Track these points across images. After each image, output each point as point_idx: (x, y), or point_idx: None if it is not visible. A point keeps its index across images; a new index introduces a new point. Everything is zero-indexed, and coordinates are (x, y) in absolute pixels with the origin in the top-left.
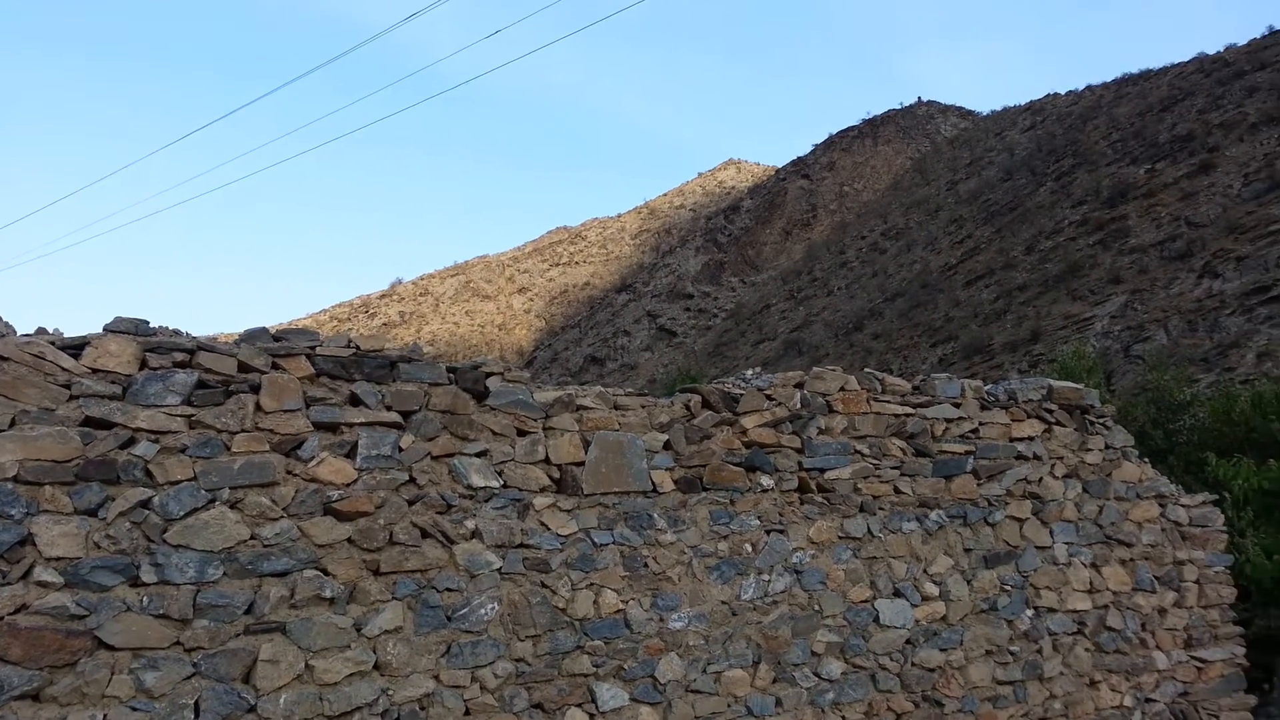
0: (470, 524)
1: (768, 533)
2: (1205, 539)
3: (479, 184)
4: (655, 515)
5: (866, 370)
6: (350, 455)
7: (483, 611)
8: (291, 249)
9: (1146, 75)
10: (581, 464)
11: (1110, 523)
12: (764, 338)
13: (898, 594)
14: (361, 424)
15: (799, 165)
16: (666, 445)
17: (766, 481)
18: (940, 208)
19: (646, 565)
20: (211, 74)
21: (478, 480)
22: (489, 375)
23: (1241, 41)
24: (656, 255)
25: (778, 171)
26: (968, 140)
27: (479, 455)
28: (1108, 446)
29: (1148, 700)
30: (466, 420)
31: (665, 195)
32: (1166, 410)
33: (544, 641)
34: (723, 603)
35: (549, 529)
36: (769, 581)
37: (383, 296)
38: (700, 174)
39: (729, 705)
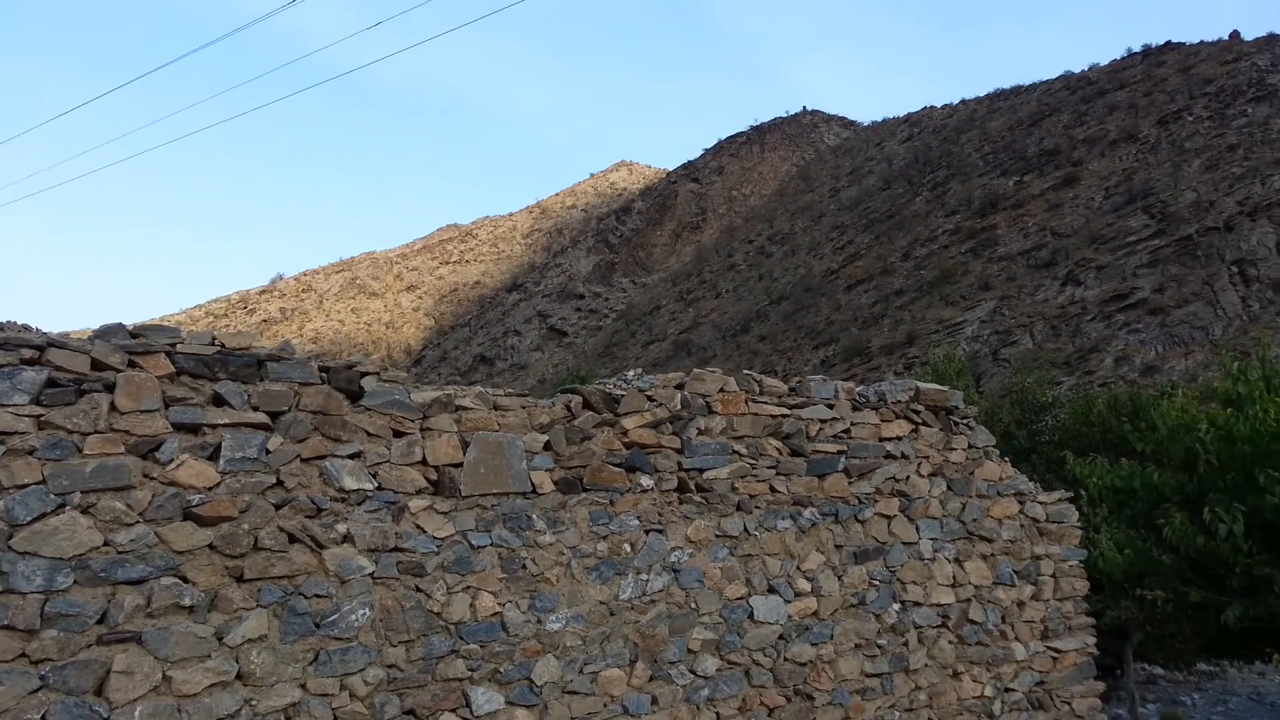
0: (342, 528)
1: (647, 533)
2: (1061, 534)
3: (366, 179)
4: (534, 516)
5: (745, 372)
6: (213, 458)
7: (353, 618)
8: (163, 243)
9: (1017, 91)
10: (460, 465)
11: (973, 519)
12: (654, 338)
13: (772, 591)
14: (225, 425)
15: (689, 169)
16: (547, 446)
17: (646, 482)
18: (823, 214)
19: (525, 567)
20: (66, 63)
21: (350, 483)
22: (364, 375)
23: (1104, 62)
24: (548, 255)
25: (669, 174)
26: (849, 149)
27: (352, 457)
28: (970, 446)
29: (1007, 690)
30: (339, 421)
31: (557, 195)
32: (1030, 411)
33: (418, 646)
34: (601, 603)
35: (425, 532)
36: (647, 581)
37: (263, 292)
38: (592, 174)
39: (605, 705)
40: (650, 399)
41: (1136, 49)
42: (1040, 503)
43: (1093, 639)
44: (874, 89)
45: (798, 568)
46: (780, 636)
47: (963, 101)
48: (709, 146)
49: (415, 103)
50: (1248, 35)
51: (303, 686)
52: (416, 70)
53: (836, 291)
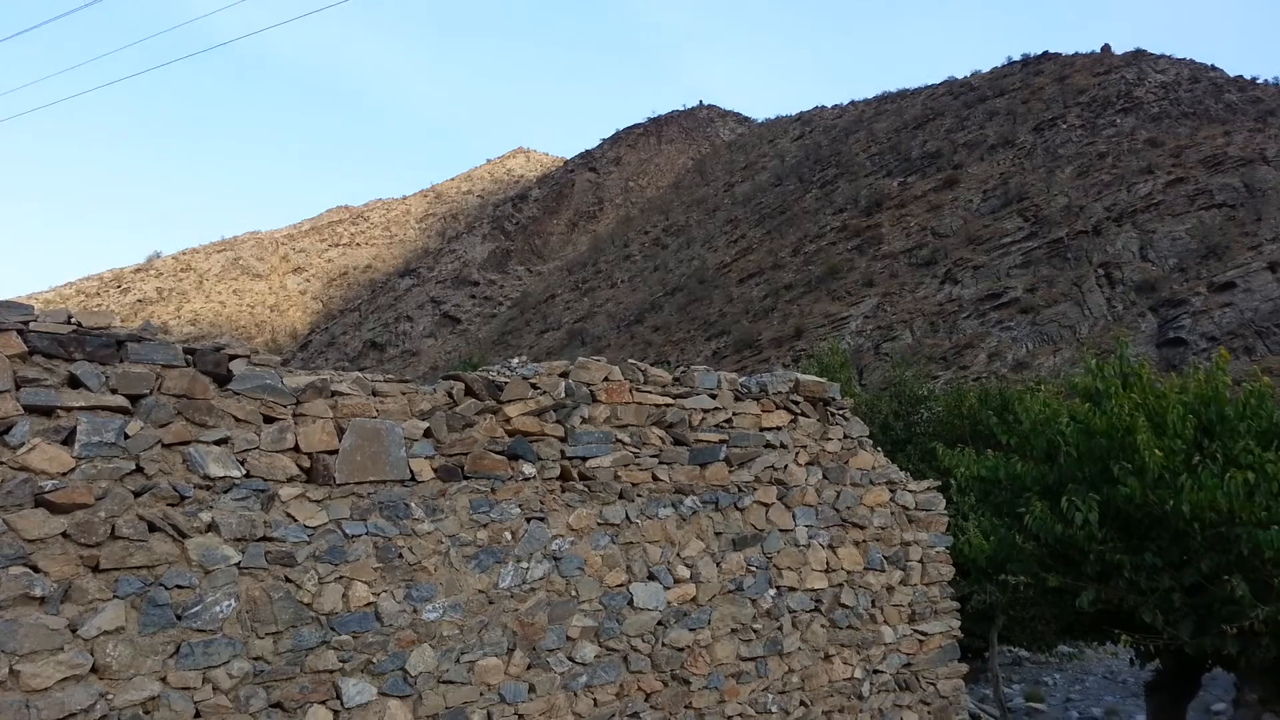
0: (206, 516)
1: (528, 520)
2: (929, 522)
3: (252, 156)
4: (413, 505)
5: (630, 361)
6: (68, 442)
7: (217, 609)
8: (32, 218)
9: (903, 94)
10: (335, 452)
11: (846, 507)
12: (549, 327)
13: (652, 578)
14: (81, 408)
15: (587, 158)
16: (427, 433)
17: (529, 470)
18: (718, 208)
19: (401, 556)
20: None
21: (216, 470)
22: (233, 358)
23: (985, 69)
24: (442, 240)
25: (566, 163)
26: (744, 145)
27: (219, 443)
28: (846, 436)
29: (875, 671)
30: (205, 406)
31: (453, 180)
32: (907, 404)
33: (286, 638)
34: (480, 591)
35: (296, 520)
36: (527, 569)
37: (138, 271)
38: (489, 160)
39: (481, 694)
40: (534, 386)
41: (1016, 57)
42: (910, 491)
43: (957, 622)
44: (768, 87)
45: (678, 555)
46: (659, 623)
47: (852, 103)
48: (607, 137)
49: (306, 79)
50: (1118, 49)
51: (163, 680)
52: (308, 45)
53: (729, 284)
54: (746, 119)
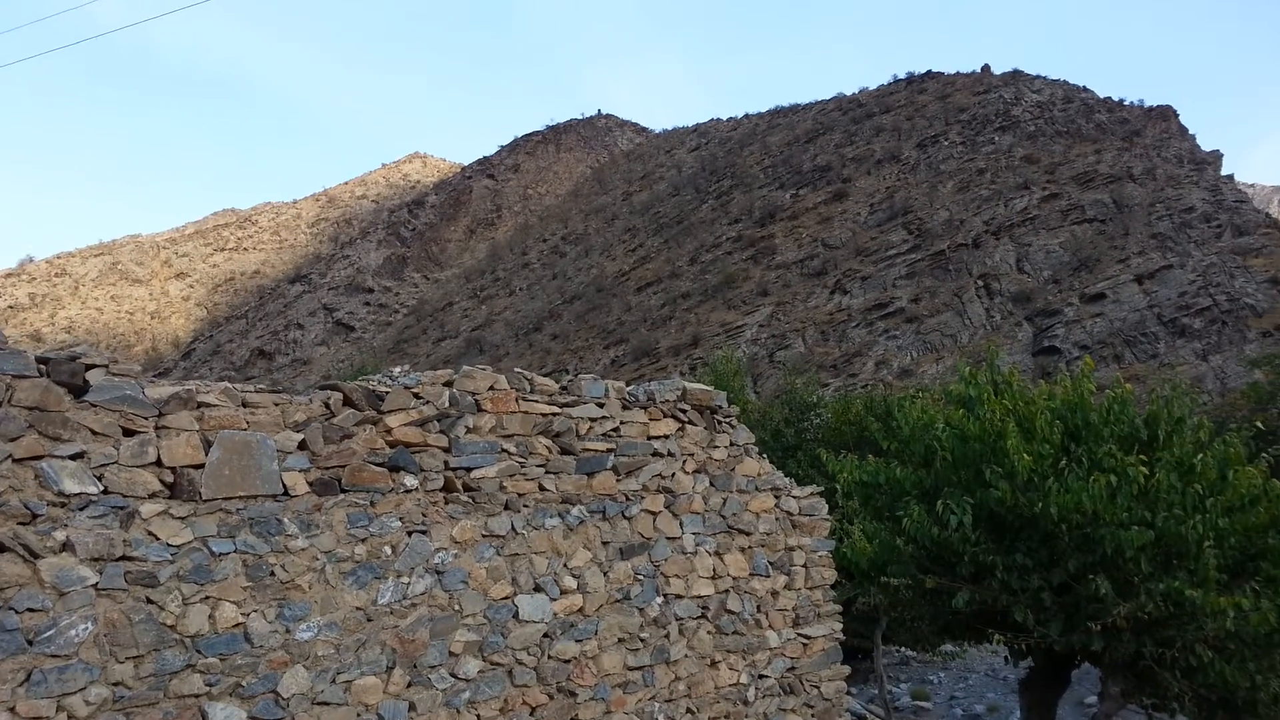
0: (61, 535)
1: (409, 534)
2: (813, 526)
3: (133, 156)
4: (286, 520)
5: (516, 370)
6: None
7: (73, 633)
8: None
9: (795, 109)
10: (201, 467)
11: (732, 514)
12: (446, 335)
13: (538, 589)
14: None
15: (485, 165)
16: (302, 445)
17: (410, 481)
18: (616, 216)
19: (273, 574)
20: None
21: (71, 486)
22: (90, 367)
23: (873, 86)
24: (335, 246)
25: (464, 169)
26: (641, 155)
27: (74, 458)
28: (733, 444)
29: (761, 676)
30: (60, 418)
31: (346, 184)
32: (798, 411)
33: (148, 662)
34: (357, 608)
35: (158, 539)
36: (408, 584)
37: (9, 275)
38: (384, 165)
39: (359, 715)
40: (417, 396)
41: (902, 76)
42: (795, 497)
43: (840, 625)
44: (666, 98)
45: (565, 565)
46: (545, 635)
47: (746, 116)
48: (505, 144)
49: (191, 75)
50: (997, 69)
51: (11, 710)
52: (192, 40)
53: (627, 293)
54: (645, 129)
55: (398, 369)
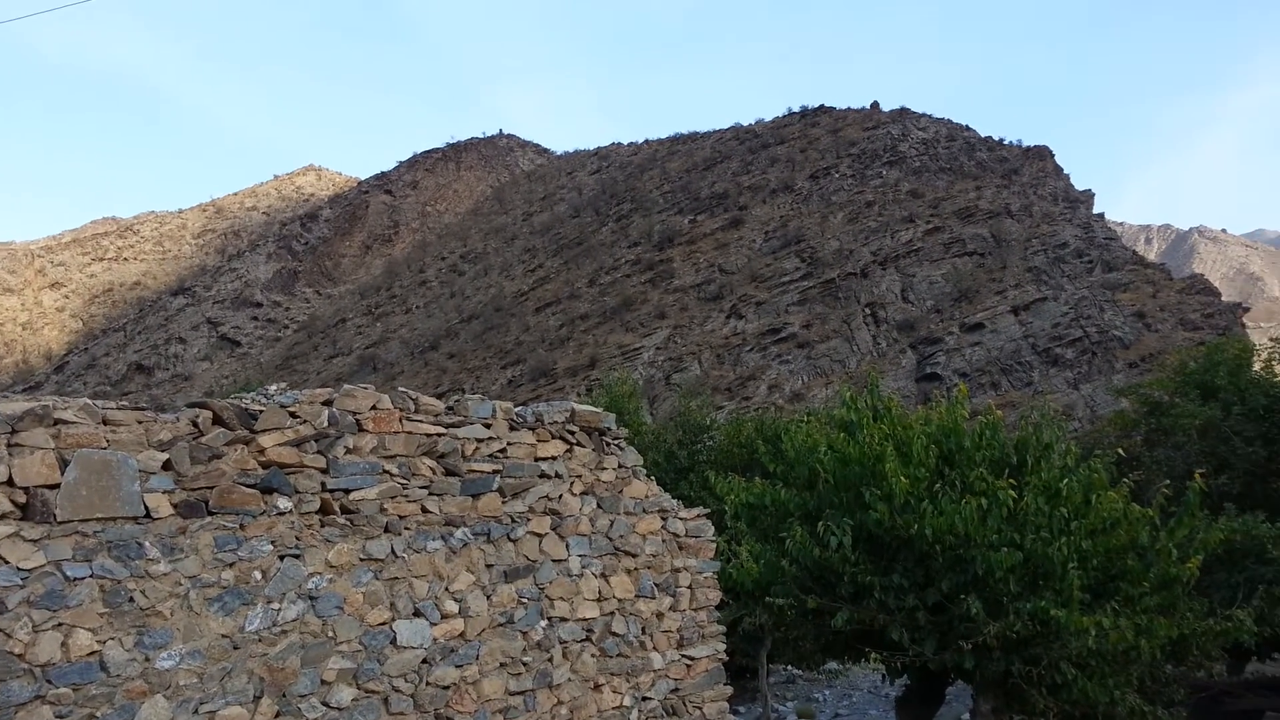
0: None
1: (281, 558)
2: (698, 548)
3: (5, 159)
4: (147, 544)
5: (400, 389)
6: None
7: None
8: None
9: (694, 136)
10: (57, 486)
11: (619, 535)
12: (338, 352)
13: (418, 614)
14: None
15: (383, 180)
16: (167, 465)
17: (284, 504)
18: (516, 236)
19: (133, 600)
20: None
21: None
22: None
23: (768, 117)
24: (222, 258)
25: (360, 183)
26: (542, 176)
27: None
28: (621, 466)
29: (644, 698)
30: None
31: (236, 195)
32: (691, 433)
33: None
34: (223, 636)
35: (7, 563)
36: (279, 610)
37: None
38: (277, 176)
39: None
40: (294, 415)
41: (796, 108)
42: (682, 519)
43: (723, 646)
44: (567, 120)
45: (446, 589)
46: (424, 660)
47: (646, 141)
48: (404, 159)
49: (71, 77)
50: (885, 106)
51: None
52: (74, 40)
53: (526, 313)
54: (546, 150)
55: (273, 387)
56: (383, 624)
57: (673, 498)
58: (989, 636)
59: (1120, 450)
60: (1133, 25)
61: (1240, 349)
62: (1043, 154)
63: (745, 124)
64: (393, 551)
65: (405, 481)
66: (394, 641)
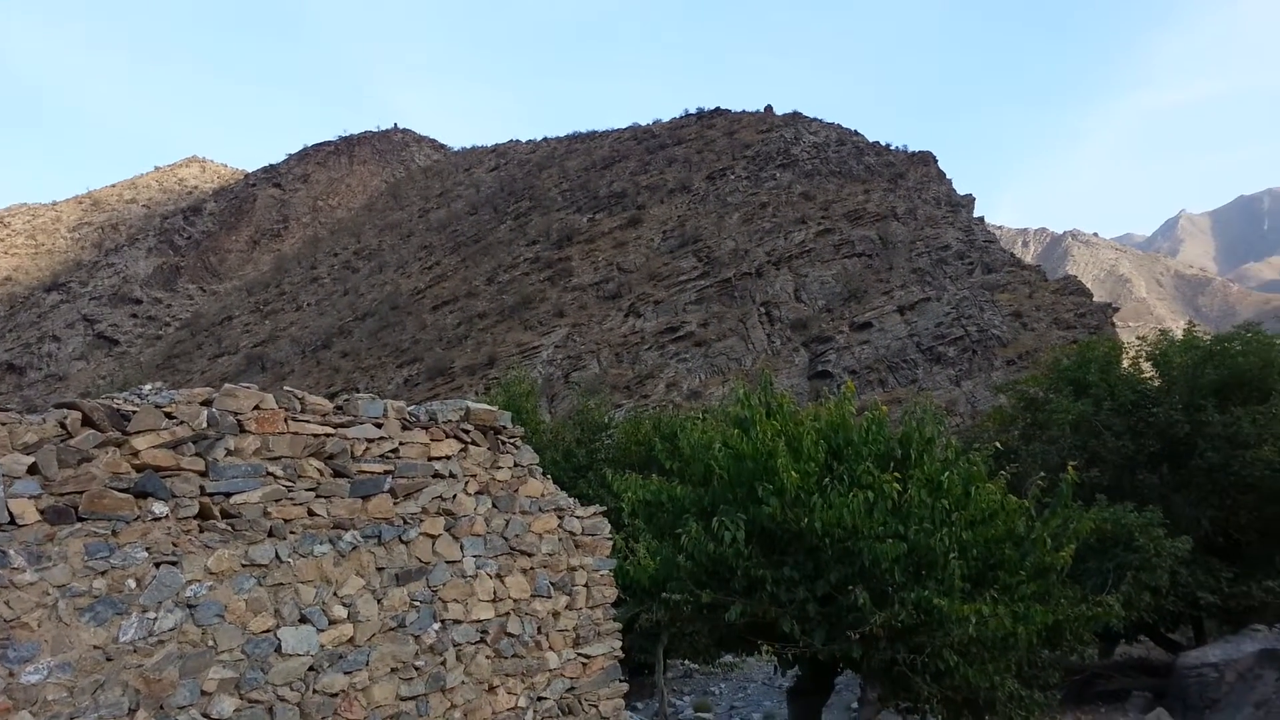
0: None
1: (158, 565)
2: (595, 546)
3: None
4: (12, 552)
5: (286, 389)
6: None
7: None
8: None
9: (593, 135)
10: None
11: (515, 535)
12: (224, 351)
13: (304, 620)
14: None
15: (271, 173)
16: (33, 469)
17: (160, 509)
18: (412, 233)
19: None
20: None
21: None
22: None
23: (665, 118)
24: (99, 253)
25: (248, 176)
26: (439, 172)
27: None
28: (516, 465)
29: (539, 699)
30: None
31: (114, 186)
32: (589, 431)
33: None
34: (96, 647)
35: None
36: (155, 620)
37: None
38: (158, 168)
39: None
40: (170, 416)
41: (693, 110)
42: (578, 517)
43: (619, 643)
44: (464, 116)
45: (334, 594)
46: (310, 668)
47: (545, 139)
48: (294, 152)
49: None
50: (779, 110)
51: None
52: None
53: (423, 311)
54: (442, 146)
55: (148, 386)
56: (267, 631)
57: (571, 496)
58: (875, 626)
59: (998, 444)
60: (1013, 38)
61: (1110, 348)
62: (926, 159)
63: (643, 124)
64: (277, 556)
65: (291, 484)
66: (279, 649)
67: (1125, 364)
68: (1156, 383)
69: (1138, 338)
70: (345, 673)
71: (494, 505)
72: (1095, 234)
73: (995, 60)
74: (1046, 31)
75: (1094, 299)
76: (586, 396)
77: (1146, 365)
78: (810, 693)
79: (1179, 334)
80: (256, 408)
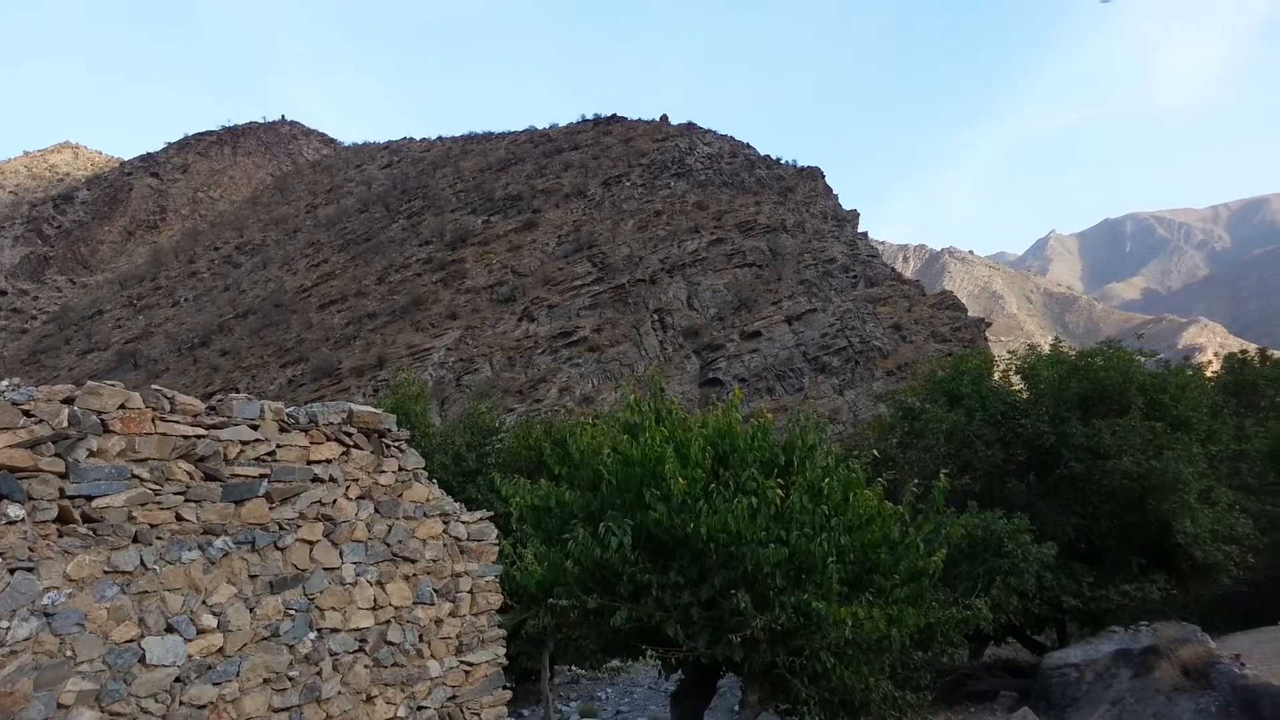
0: None
1: (12, 572)
2: (480, 552)
3: None
4: None
5: (155, 387)
6: None
7: None
8: None
9: (489, 136)
10: None
11: (398, 541)
12: (94, 347)
13: (171, 629)
14: None
15: (149, 161)
16: None
17: (15, 511)
18: (299, 229)
19: None
20: None
21: None
22: None
23: (562, 123)
24: None
25: (124, 164)
26: (329, 167)
27: None
28: (401, 469)
29: (420, 708)
30: None
31: None
32: (480, 435)
33: None
34: None
35: None
36: (8, 629)
37: None
38: (27, 153)
39: None
40: (28, 414)
41: (590, 116)
42: (464, 522)
43: (503, 650)
44: (357, 111)
45: (204, 602)
46: (177, 679)
47: (440, 138)
48: (174, 141)
49: None
50: (674, 120)
51: None
52: None
53: (309, 310)
54: (333, 140)
55: (5, 382)
56: (130, 641)
57: (461, 501)
58: (756, 629)
59: (876, 452)
60: (895, 63)
61: (982, 361)
62: (814, 174)
63: (540, 128)
64: (142, 563)
65: (158, 487)
66: (143, 660)
67: (996, 377)
68: (1025, 395)
69: (1008, 352)
70: (214, 684)
71: (376, 510)
72: (971, 251)
73: (876, 84)
74: (929, 57)
75: (968, 314)
76: (478, 400)
77: (1016, 378)
78: (693, 696)
79: (1046, 349)
80: (122, 406)
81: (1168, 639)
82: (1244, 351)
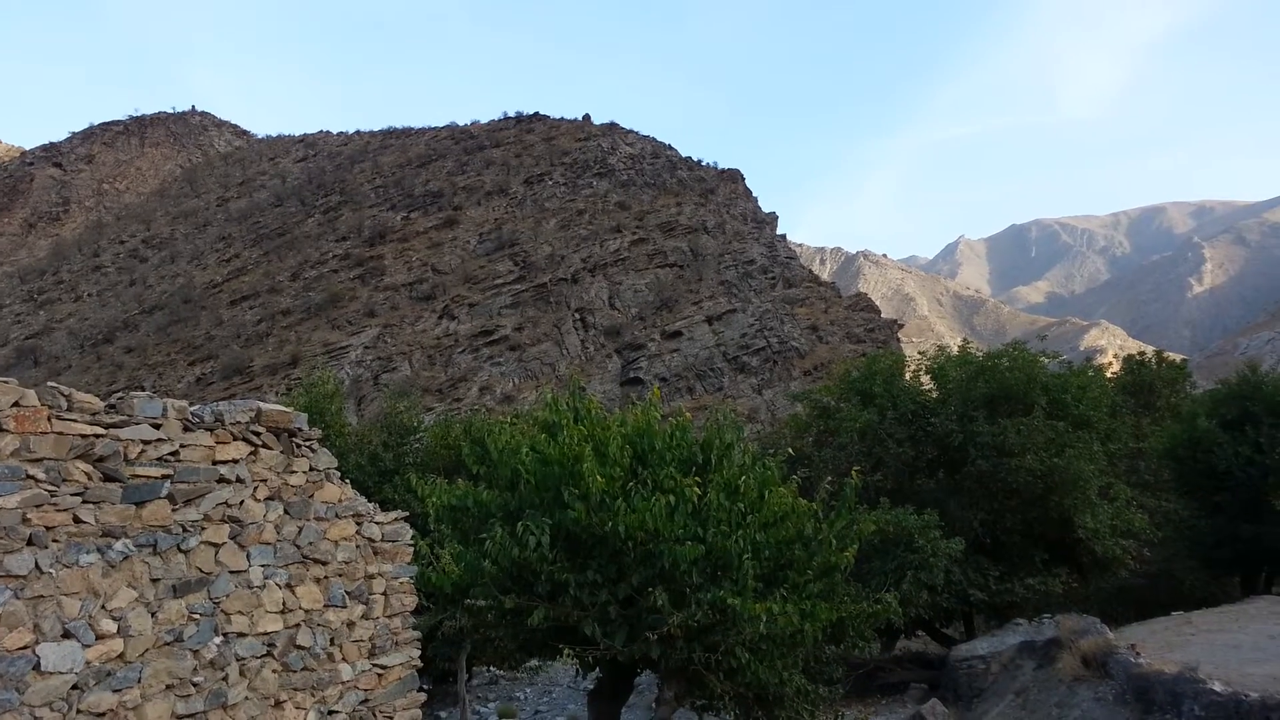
0: None
1: None
2: (395, 553)
3: None
4: None
5: (50, 385)
6: None
7: None
8: None
9: (408, 132)
10: None
11: (308, 542)
12: None
13: (68, 635)
14: None
15: (51, 151)
16: None
17: None
18: (209, 223)
19: None
20: None
21: None
22: None
23: (484, 120)
24: None
25: (24, 154)
26: (241, 159)
27: None
28: (312, 469)
29: (331, 713)
30: None
31: None
32: (398, 434)
33: None
34: None
35: None
36: None
37: None
38: None
39: None
40: None
41: (512, 114)
42: (378, 523)
43: (418, 652)
44: (271, 103)
45: (103, 607)
46: (74, 686)
47: (358, 132)
48: (79, 130)
49: None
50: (596, 120)
51: None
52: None
53: (219, 306)
54: (245, 132)
55: None
56: (24, 648)
57: (377, 501)
58: (673, 626)
59: (791, 450)
60: (810, 71)
61: (894, 361)
62: (735, 176)
63: (461, 124)
64: (37, 566)
65: (54, 488)
66: (38, 667)
67: (907, 376)
68: (935, 395)
69: (919, 353)
70: (114, 690)
71: (286, 511)
72: (884, 255)
73: (794, 90)
74: (845, 67)
75: (882, 315)
76: (396, 399)
77: (926, 378)
78: (611, 694)
79: (955, 350)
80: (16, 405)
81: (1069, 631)
82: (1142, 353)
